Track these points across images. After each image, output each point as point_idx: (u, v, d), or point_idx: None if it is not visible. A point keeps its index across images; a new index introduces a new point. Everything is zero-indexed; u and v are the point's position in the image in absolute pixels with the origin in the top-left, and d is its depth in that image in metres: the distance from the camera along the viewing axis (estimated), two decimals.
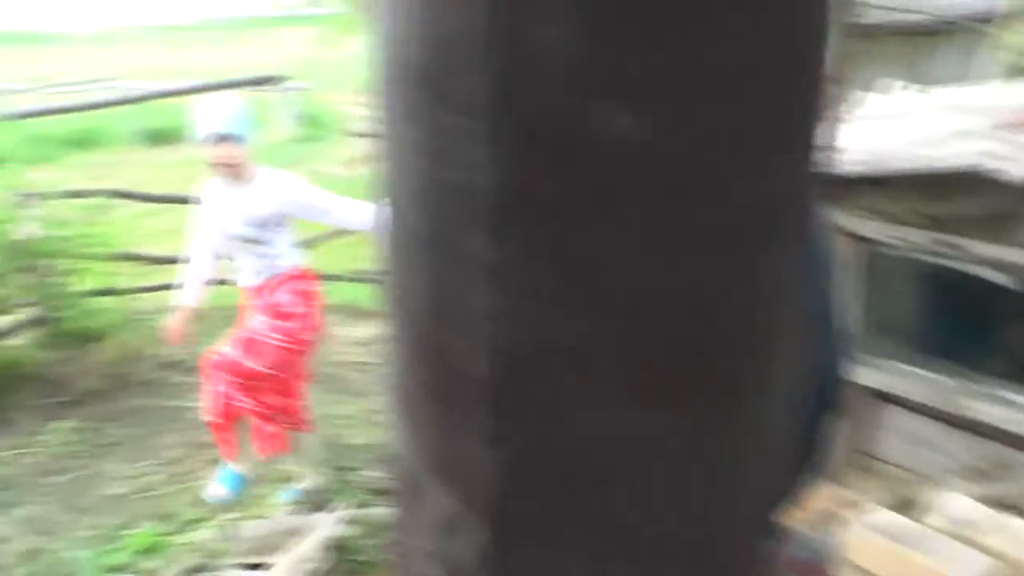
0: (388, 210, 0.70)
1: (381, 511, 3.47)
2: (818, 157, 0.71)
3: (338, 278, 5.73)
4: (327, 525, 3.26)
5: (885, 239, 3.25)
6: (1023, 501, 3.04)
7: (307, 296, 3.46)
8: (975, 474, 3.17)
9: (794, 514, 3.17)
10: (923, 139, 3.08)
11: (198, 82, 6.25)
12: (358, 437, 4.24)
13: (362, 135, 12.12)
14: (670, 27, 0.56)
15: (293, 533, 3.23)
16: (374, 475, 3.85)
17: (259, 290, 3.40)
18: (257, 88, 8.09)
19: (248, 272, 3.41)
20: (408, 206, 0.67)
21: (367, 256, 7.48)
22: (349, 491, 3.68)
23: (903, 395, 3.29)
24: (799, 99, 0.66)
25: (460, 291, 0.64)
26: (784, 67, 0.62)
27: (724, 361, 0.68)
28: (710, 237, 0.62)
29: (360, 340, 5.48)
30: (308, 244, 5.67)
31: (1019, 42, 10.11)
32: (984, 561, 2.29)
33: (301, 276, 3.45)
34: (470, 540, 0.71)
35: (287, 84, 11.31)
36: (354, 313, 5.74)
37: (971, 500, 2.62)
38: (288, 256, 3.41)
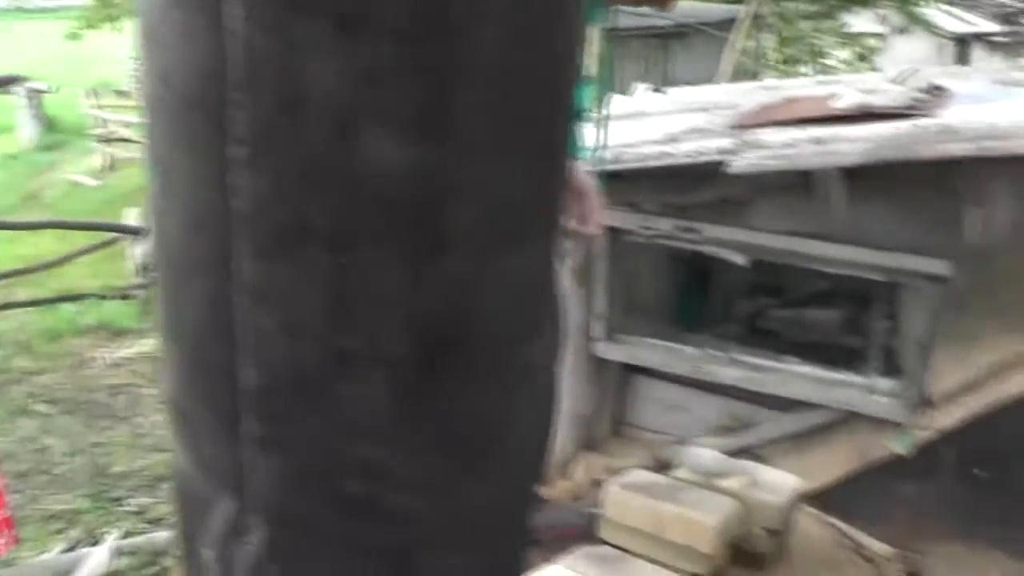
0: (161, 233, 0.72)
1: (155, 536, 3.38)
2: (569, 157, 0.77)
3: (92, 297, 5.46)
4: (100, 559, 3.14)
5: (632, 228, 3.49)
6: (760, 448, 3.42)
7: None
8: (721, 431, 3.51)
9: (560, 486, 3.35)
10: (664, 136, 3.35)
11: None
12: (124, 463, 4.09)
13: (110, 140, 11.46)
14: (429, 47, 0.61)
15: (66, 572, 3.09)
16: (144, 501, 3.73)
17: None
18: None
19: None
20: (182, 230, 0.70)
21: (119, 273, 7.15)
22: (120, 520, 3.55)
23: (654, 366, 3.58)
24: (555, 102, 0.72)
25: (232, 310, 0.68)
26: (541, 71, 0.67)
27: (483, 355, 0.75)
28: (468, 241, 0.68)
29: (119, 361, 5.26)
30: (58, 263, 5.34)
31: (752, 47, 10.96)
32: (726, 502, 2.55)
33: None
34: (253, 542, 0.75)
35: (29, 85, 10.54)
36: (110, 334, 5.49)
37: (714, 451, 2.90)
38: None
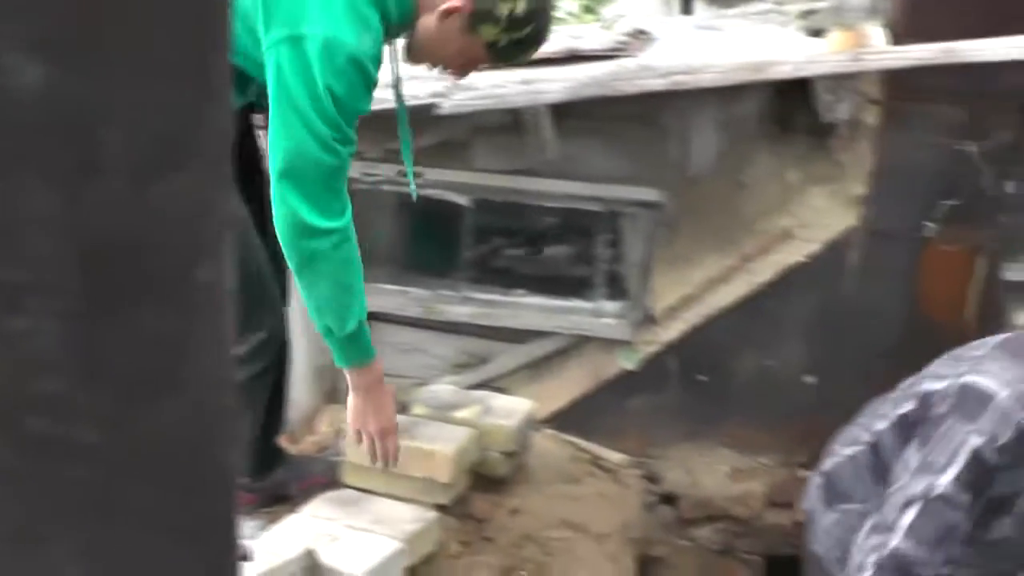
0: None
1: None
2: (227, 85, 0.79)
3: None
4: None
5: (355, 175, 3.52)
6: (498, 380, 3.58)
7: None
8: (459, 368, 3.65)
9: (307, 440, 3.37)
10: (384, 83, 3.37)
11: None
12: None
13: None
14: None
15: None
16: None
17: None
18: None
19: None
20: None
21: None
22: None
23: (391, 312, 3.66)
24: (208, 29, 0.69)
25: None
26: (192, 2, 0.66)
27: (154, 279, 0.76)
28: (123, 165, 0.66)
29: None
30: None
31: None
32: (461, 432, 2.66)
33: None
34: None
35: None
36: None
37: (448, 386, 3.01)
38: None
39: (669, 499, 3.84)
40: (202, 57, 0.77)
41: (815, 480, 2.37)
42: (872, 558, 1.87)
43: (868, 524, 1.97)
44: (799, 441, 3.73)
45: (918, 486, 1.84)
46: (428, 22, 2.17)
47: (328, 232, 2.13)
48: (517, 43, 2.19)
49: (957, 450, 1.81)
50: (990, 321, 3.57)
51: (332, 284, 2.19)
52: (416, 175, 2.59)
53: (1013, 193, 3.44)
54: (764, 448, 3.85)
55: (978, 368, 1.88)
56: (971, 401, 1.83)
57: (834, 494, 2.26)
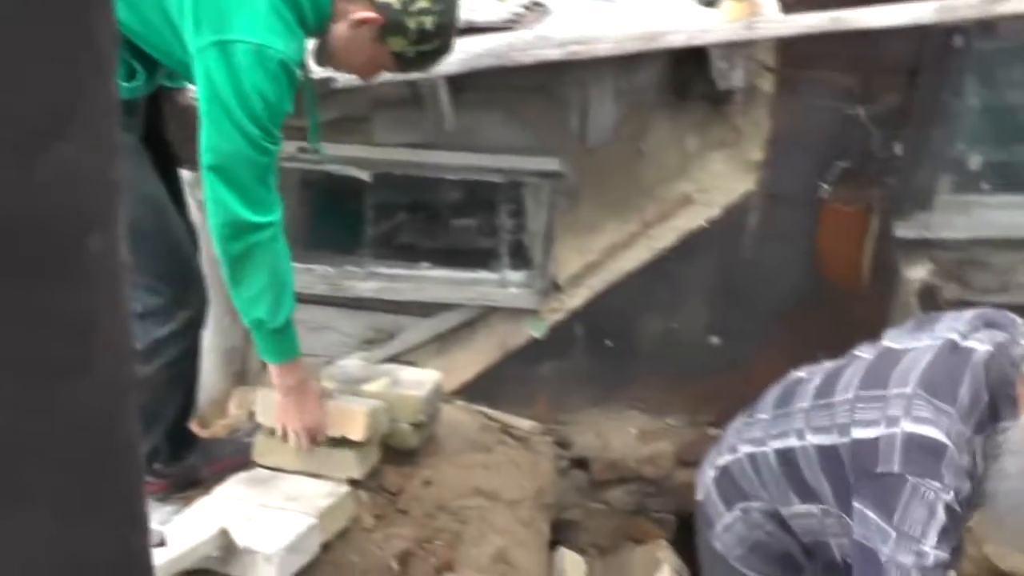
0: None
1: None
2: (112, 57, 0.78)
3: None
4: None
5: None
6: (407, 354, 3.60)
7: None
8: (367, 344, 3.65)
9: (218, 424, 3.33)
10: None
11: None
12: None
13: None
14: None
15: None
16: None
17: None
18: None
19: None
20: None
21: None
22: None
23: (298, 290, 3.60)
24: (88, 8, 0.72)
25: None
26: None
27: (48, 250, 0.75)
28: (5, 135, 0.68)
29: None
30: None
31: None
32: (369, 402, 2.66)
33: None
34: None
35: None
36: None
37: (357, 361, 3.01)
38: None
39: (580, 463, 3.92)
40: (86, 31, 0.76)
41: (709, 473, 2.37)
42: None
43: None
44: (705, 400, 3.84)
45: (907, 557, 1.85)
46: (340, 29, 2.23)
47: (263, 226, 2.20)
48: (423, 54, 2.28)
49: (933, 511, 1.84)
50: (884, 277, 3.73)
51: (268, 276, 2.25)
52: (314, 151, 2.61)
53: (901, 155, 3.57)
54: (671, 409, 3.95)
55: (912, 414, 1.89)
56: (925, 456, 1.86)
57: (733, 491, 2.28)
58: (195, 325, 2.55)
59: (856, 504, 1.95)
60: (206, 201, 2.18)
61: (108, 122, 0.82)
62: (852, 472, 1.98)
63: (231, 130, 2.10)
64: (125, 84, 2.30)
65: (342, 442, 2.62)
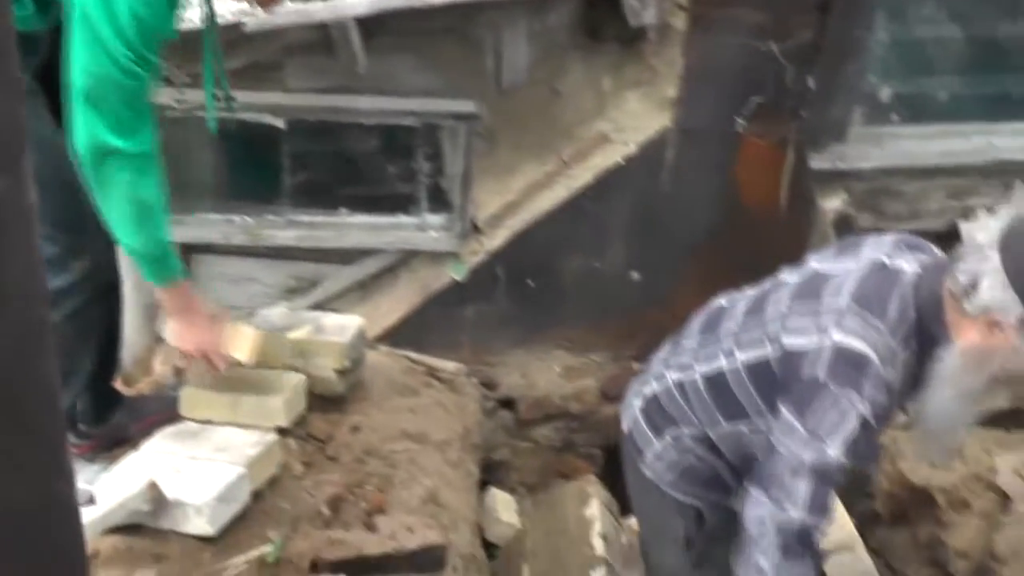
0: None
1: None
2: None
3: None
4: None
5: (167, 102, 3.38)
6: (329, 302, 3.59)
7: None
8: (289, 293, 3.63)
9: (143, 381, 3.29)
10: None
11: None
12: None
13: None
14: None
15: None
16: None
17: None
18: None
19: None
20: None
21: None
22: None
23: (217, 242, 3.59)
24: None
25: None
26: None
27: None
28: None
29: None
30: None
31: None
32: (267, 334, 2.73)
33: None
34: None
35: None
36: None
37: (280, 309, 3.00)
38: None
39: (507, 403, 3.97)
40: None
41: (635, 403, 2.42)
42: (771, 525, 1.96)
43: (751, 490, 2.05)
44: (627, 336, 3.91)
45: (807, 453, 1.92)
46: None
47: (128, 154, 2.14)
48: None
49: (845, 419, 1.91)
50: (801, 207, 3.82)
51: (132, 202, 2.20)
52: (230, 99, 2.55)
53: (814, 89, 3.64)
54: (595, 345, 4.01)
55: (843, 325, 1.95)
56: (849, 368, 1.93)
57: (662, 419, 2.33)
58: (94, 276, 2.47)
59: (779, 405, 2.03)
60: (74, 123, 2.11)
61: (7, 60, 0.81)
62: (781, 379, 2.05)
63: (100, 51, 2.03)
64: (18, 14, 2.20)
65: (267, 389, 2.63)
